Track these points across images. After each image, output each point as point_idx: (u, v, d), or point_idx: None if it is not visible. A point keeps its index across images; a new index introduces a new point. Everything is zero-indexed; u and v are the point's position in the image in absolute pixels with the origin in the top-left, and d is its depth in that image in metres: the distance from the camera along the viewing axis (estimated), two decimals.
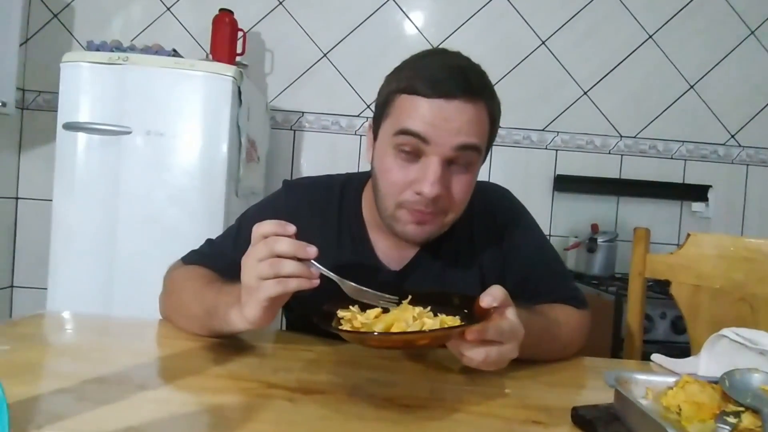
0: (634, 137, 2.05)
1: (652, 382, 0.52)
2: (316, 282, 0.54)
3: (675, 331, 1.55)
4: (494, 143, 0.73)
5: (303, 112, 2.05)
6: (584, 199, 2.03)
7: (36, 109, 2.05)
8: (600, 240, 1.83)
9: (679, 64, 2.05)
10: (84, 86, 1.44)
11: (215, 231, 0.88)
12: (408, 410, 0.50)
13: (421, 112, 0.63)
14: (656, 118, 2.06)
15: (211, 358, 0.61)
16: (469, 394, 0.53)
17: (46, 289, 1.50)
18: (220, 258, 0.76)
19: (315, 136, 2.06)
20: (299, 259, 0.53)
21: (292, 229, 0.54)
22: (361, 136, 2.05)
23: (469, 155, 0.65)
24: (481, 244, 0.78)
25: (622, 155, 2.05)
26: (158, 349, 0.66)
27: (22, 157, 2.07)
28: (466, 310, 0.58)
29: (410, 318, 0.55)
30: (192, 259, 0.78)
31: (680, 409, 0.48)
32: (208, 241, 0.83)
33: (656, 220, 2.03)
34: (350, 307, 0.59)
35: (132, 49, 1.55)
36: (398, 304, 0.60)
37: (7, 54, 1.78)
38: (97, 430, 0.41)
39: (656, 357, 0.76)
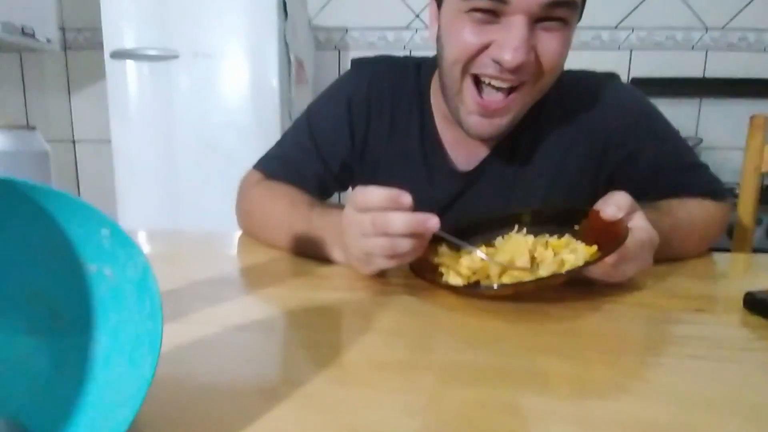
0: (722, 28, 1.80)
1: None
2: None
3: None
4: None
5: (347, 29, 1.92)
6: (663, 103, 1.81)
7: (78, 48, 2.01)
8: None
9: None
10: (126, 10, 1.37)
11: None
12: (558, 302, 0.44)
13: None
14: (749, 3, 1.79)
15: (311, 262, 0.57)
16: (609, 287, 0.47)
17: None
18: (299, 169, 0.71)
19: (361, 55, 1.94)
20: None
21: (407, 201, 0.43)
22: (411, 50, 1.91)
23: (562, 12, 0.52)
24: (573, 137, 0.66)
25: (707, 50, 1.82)
26: (253, 255, 0.62)
27: (73, 98, 2.07)
28: (576, 226, 0.50)
29: (525, 251, 0.47)
30: (269, 170, 0.73)
31: None
32: (279, 144, 0.77)
33: (744, 122, 1.82)
34: (438, 248, 0.51)
35: None
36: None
37: None
38: (227, 324, 0.37)
39: None
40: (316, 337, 0.36)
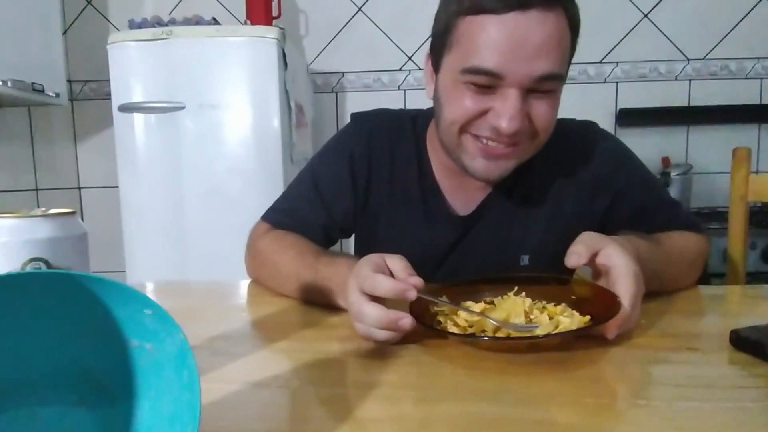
0: (703, 59, 1.88)
1: None
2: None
3: (766, 261, 1.45)
4: None
5: (343, 73, 2.00)
6: (651, 132, 1.89)
7: (84, 99, 2.09)
8: (673, 174, 1.71)
9: None
10: (133, 66, 1.44)
11: (275, 198, 0.83)
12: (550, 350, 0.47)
13: (491, 38, 0.55)
14: (726, 35, 1.87)
15: (319, 311, 0.59)
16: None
17: (121, 271, 1.56)
18: (304, 221, 0.75)
19: (358, 96, 2.01)
20: None
21: (412, 296, 0.45)
22: (405, 90, 1.98)
23: (550, 84, 0.58)
24: (563, 184, 0.71)
25: (690, 80, 1.89)
26: (265, 307, 0.65)
27: (79, 147, 2.13)
28: (574, 296, 0.52)
29: (521, 312, 0.49)
30: (276, 221, 0.77)
31: None
32: (285, 197, 0.80)
33: (732, 147, 1.87)
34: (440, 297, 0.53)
35: (173, 22, 1.52)
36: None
37: (53, 45, 1.80)
38: (245, 381, 0.40)
39: None
40: (330, 393, 0.39)
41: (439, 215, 0.73)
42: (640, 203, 0.71)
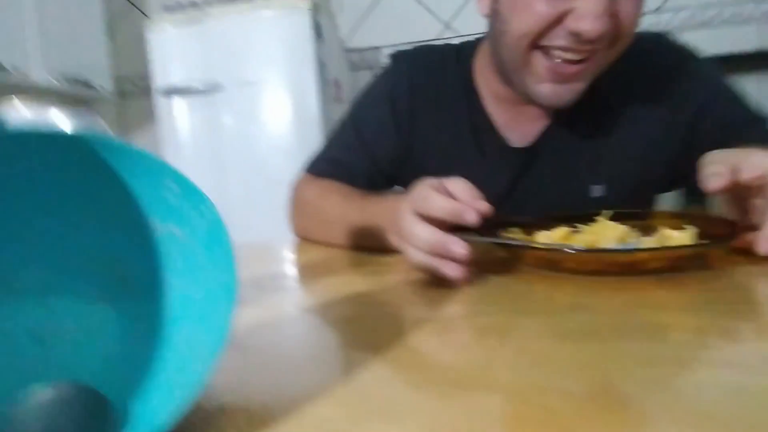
0: None
1: None
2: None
3: None
4: None
5: (378, 47, 1.95)
6: None
7: (130, 96, 2.15)
8: None
9: None
10: (172, 49, 1.45)
11: None
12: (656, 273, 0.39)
13: None
14: None
15: (371, 255, 0.54)
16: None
17: None
18: (348, 169, 0.70)
19: None
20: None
21: (471, 218, 0.38)
22: None
23: None
24: (636, 104, 0.62)
25: (758, 24, 1.71)
26: (313, 254, 0.60)
27: None
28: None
29: (614, 238, 0.41)
30: (319, 171, 0.73)
31: None
32: (326, 146, 0.76)
33: None
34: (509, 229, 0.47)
35: (207, 3, 1.52)
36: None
37: (95, 40, 1.86)
38: (297, 306, 0.35)
39: None
40: (397, 309, 0.34)
41: (494, 150, 0.66)
42: (726, 119, 0.61)
